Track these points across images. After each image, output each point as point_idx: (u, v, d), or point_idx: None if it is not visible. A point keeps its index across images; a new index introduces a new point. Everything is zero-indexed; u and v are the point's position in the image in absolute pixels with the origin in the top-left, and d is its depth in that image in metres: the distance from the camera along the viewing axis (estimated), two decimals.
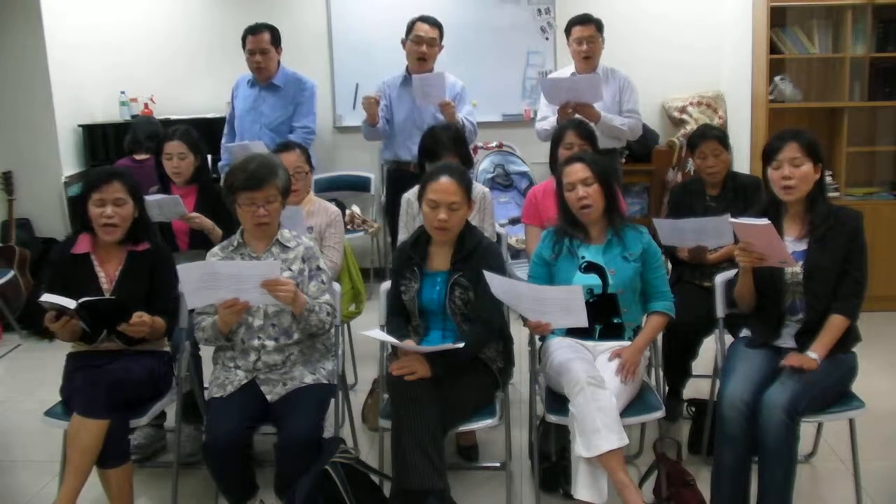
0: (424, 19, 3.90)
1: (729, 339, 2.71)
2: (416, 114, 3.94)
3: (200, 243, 3.19)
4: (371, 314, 3.09)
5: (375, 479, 2.52)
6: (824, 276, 2.39)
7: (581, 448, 2.24)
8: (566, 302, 2.31)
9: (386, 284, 2.76)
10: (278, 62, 4.26)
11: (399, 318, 2.67)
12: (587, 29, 3.77)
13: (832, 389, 2.38)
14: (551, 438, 2.69)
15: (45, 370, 3.53)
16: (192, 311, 2.57)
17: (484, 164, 5.16)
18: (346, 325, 3.39)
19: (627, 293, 2.55)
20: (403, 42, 3.94)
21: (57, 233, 5.08)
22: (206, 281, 2.30)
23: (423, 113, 3.92)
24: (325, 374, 2.58)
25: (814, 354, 2.34)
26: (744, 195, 3.08)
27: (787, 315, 2.48)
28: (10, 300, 4.61)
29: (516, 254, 4.75)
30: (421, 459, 2.27)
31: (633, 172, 4.97)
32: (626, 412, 2.38)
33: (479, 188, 3.17)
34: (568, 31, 3.84)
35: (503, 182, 5.13)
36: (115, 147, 5.00)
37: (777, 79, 4.50)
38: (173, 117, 5.08)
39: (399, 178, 3.93)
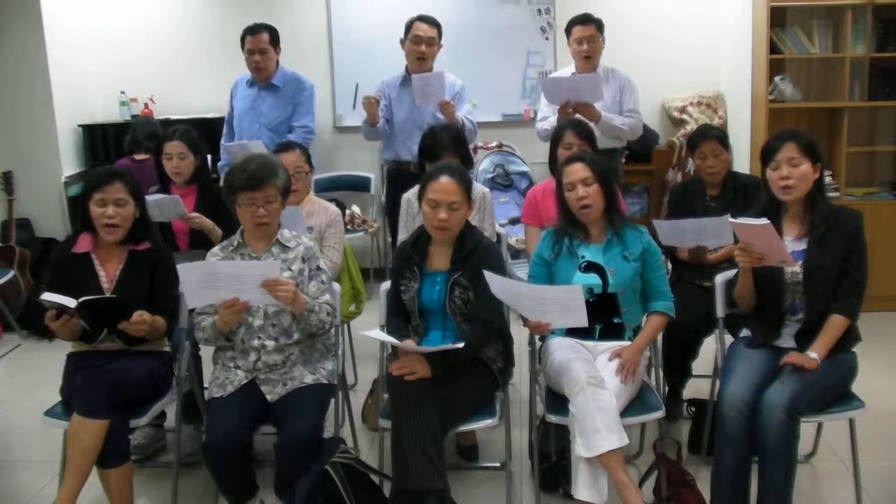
0: (423, 19, 3.89)
1: (729, 339, 2.71)
2: (416, 113, 3.94)
3: (200, 243, 3.19)
4: (371, 314, 3.09)
5: (375, 479, 2.52)
6: (824, 276, 2.39)
7: (581, 448, 2.24)
8: (566, 302, 2.31)
9: (386, 284, 2.76)
10: (277, 62, 4.26)
11: (399, 318, 2.67)
12: (588, 29, 3.77)
13: (832, 389, 2.38)
14: (551, 438, 2.69)
15: (45, 370, 3.53)
16: (192, 311, 2.57)
17: (484, 164, 5.16)
18: (346, 325, 3.39)
19: (627, 293, 2.55)
20: (402, 42, 3.94)
21: (57, 233, 5.08)
22: (206, 281, 2.30)
23: (423, 112, 3.92)
24: (325, 374, 2.58)
25: (814, 354, 2.34)
26: (744, 195, 3.08)
27: (786, 315, 2.48)
28: (10, 300, 4.61)
29: (516, 254, 4.75)
30: (421, 459, 2.27)
31: (633, 172, 4.97)
32: (626, 412, 2.38)
33: (479, 188, 3.17)
34: (568, 30, 3.84)
35: (503, 182, 5.13)
36: (115, 147, 5.00)
37: (777, 79, 4.50)
38: (173, 117, 5.08)
39: (399, 178, 3.92)
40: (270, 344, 2.50)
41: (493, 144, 5.24)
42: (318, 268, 2.58)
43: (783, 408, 2.22)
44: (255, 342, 2.50)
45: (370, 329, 2.54)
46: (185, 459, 2.90)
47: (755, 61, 4.55)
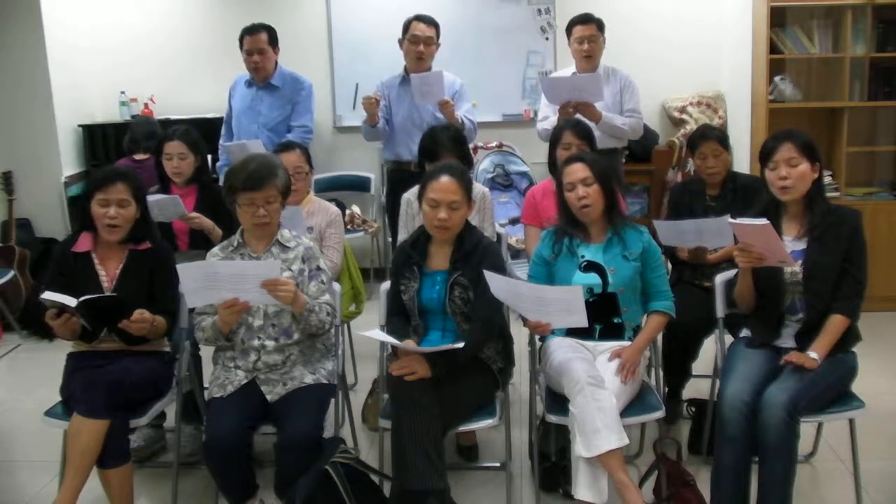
0: (421, 18, 3.89)
1: (729, 339, 2.71)
2: (416, 113, 3.94)
3: (200, 243, 3.19)
4: (371, 314, 3.09)
5: (375, 479, 2.52)
6: (824, 276, 2.40)
7: (581, 448, 2.24)
8: (566, 302, 2.31)
9: (386, 284, 2.76)
10: (276, 62, 4.26)
11: (399, 318, 2.67)
12: (588, 28, 3.77)
13: (832, 389, 2.38)
14: (551, 438, 2.70)
15: (45, 370, 3.52)
16: (192, 311, 2.57)
17: (484, 164, 5.16)
18: (346, 325, 3.39)
19: (627, 292, 2.56)
20: (400, 42, 3.93)
21: (57, 233, 5.07)
22: (206, 281, 2.30)
23: (423, 112, 3.92)
24: (325, 374, 2.58)
25: (814, 354, 2.34)
26: (744, 195, 3.08)
27: (786, 315, 2.48)
28: (10, 300, 4.61)
29: (516, 254, 4.75)
30: (421, 459, 2.26)
31: (633, 172, 4.97)
32: (626, 412, 2.38)
33: (479, 188, 3.17)
34: (569, 30, 3.84)
35: (503, 182, 5.13)
36: (114, 147, 5.00)
37: (777, 79, 4.50)
38: (173, 117, 5.07)
39: (399, 178, 3.92)
40: (270, 344, 2.50)
41: (493, 144, 5.24)
42: (318, 268, 2.58)
43: (783, 407, 2.22)
44: (255, 342, 2.50)
45: (370, 329, 2.54)
46: (185, 459, 2.89)
47: (755, 61, 4.55)
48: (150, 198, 2.97)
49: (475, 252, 2.57)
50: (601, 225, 2.62)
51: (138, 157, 4.22)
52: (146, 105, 5.35)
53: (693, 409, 3.08)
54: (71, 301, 2.33)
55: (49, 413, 2.54)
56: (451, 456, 2.92)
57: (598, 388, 2.29)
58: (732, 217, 2.43)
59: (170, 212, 3.15)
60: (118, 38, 5.41)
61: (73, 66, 5.17)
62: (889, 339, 4.03)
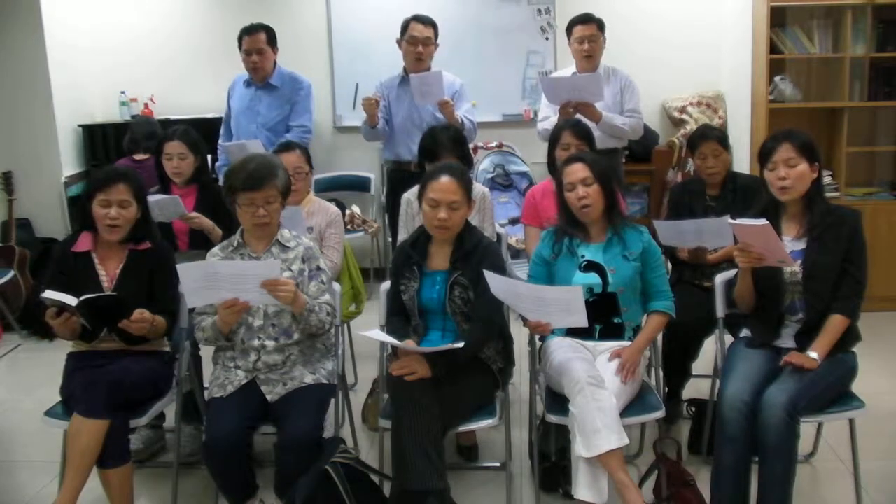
0: (418, 19, 3.87)
1: (729, 339, 2.71)
2: (416, 113, 3.94)
3: (200, 243, 3.19)
4: (371, 314, 3.09)
5: (375, 479, 2.52)
6: (823, 276, 2.40)
7: (581, 448, 2.24)
8: (566, 302, 2.31)
9: (386, 284, 2.76)
10: (274, 62, 4.26)
11: (399, 318, 2.67)
12: (589, 28, 3.77)
13: (832, 389, 2.38)
14: (551, 438, 2.70)
15: (45, 370, 3.52)
16: (192, 311, 2.57)
17: (484, 164, 5.16)
18: (346, 325, 3.39)
19: (627, 292, 2.56)
20: (399, 42, 3.93)
21: (57, 233, 5.07)
22: (206, 281, 2.30)
23: (423, 112, 3.92)
24: (325, 374, 2.58)
25: (814, 354, 2.34)
26: (744, 196, 3.08)
27: (786, 315, 2.48)
28: (10, 300, 4.61)
29: (516, 254, 4.75)
30: (421, 459, 2.26)
31: (633, 172, 4.96)
32: (626, 412, 2.38)
33: (478, 188, 3.17)
34: (569, 30, 3.84)
35: (503, 182, 5.13)
36: (114, 147, 5.00)
37: (777, 79, 4.50)
38: (173, 117, 5.07)
39: (399, 178, 3.92)
40: (270, 344, 2.50)
41: (493, 144, 5.24)
42: (318, 268, 2.58)
43: (783, 407, 2.22)
44: (255, 342, 2.50)
45: (370, 329, 2.54)
46: (185, 459, 2.89)
47: (755, 61, 4.55)
48: (151, 198, 2.97)
49: (475, 252, 2.57)
50: (601, 225, 2.62)
51: (138, 157, 4.22)
52: (146, 105, 5.35)
53: (693, 409, 3.08)
54: (71, 300, 2.33)
55: (49, 413, 2.54)
56: (451, 456, 2.92)
57: (598, 388, 2.29)
58: (732, 217, 2.43)
59: (170, 212, 3.15)
60: (118, 38, 5.41)
61: (73, 66, 5.17)
62: (889, 339, 4.03)
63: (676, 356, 3.01)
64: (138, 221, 2.61)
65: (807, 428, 2.50)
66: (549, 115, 3.84)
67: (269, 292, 2.32)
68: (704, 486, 2.44)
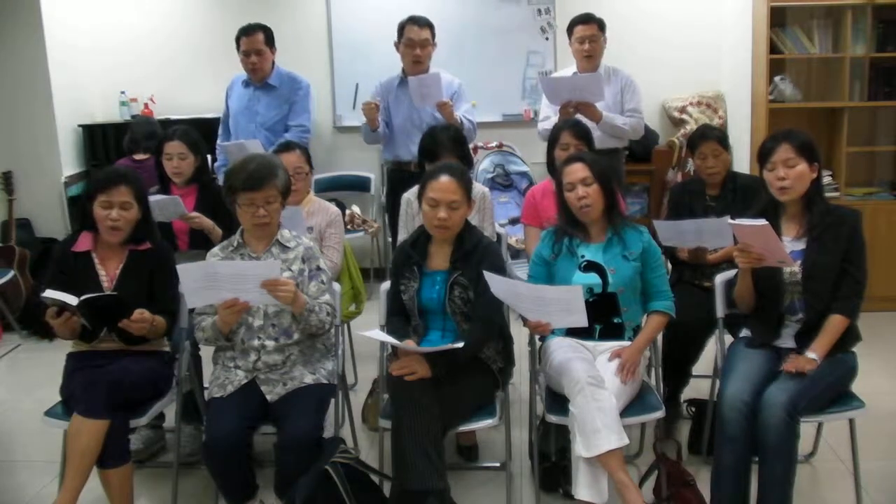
0: (414, 20, 3.84)
1: (729, 339, 2.71)
2: (415, 114, 3.93)
3: (200, 243, 3.19)
4: (371, 314, 3.09)
5: (375, 479, 2.52)
6: (823, 276, 2.40)
7: (581, 448, 2.24)
8: (566, 302, 2.31)
9: (386, 284, 2.76)
10: (273, 62, 4.26)
11: (399, 318, 2.67)
12: (589, 28, 3.77)
13: (832, 389, 2.38)
14: (551, 438, 2.70)
15: (45, 370, 3.52)
16: (192, 311, 2.57)
17: (484, 164, 5.16)
18: (346, 325, 3.39)
19: (627, 292, 2.56)
20: (396, 44, 3.92)
21: (57, 233, 5.07)
22: (206, 281, 2.30)
23: (422, 113, 3.91)
24: (325, 374, 2.58)
25: (813, 354, 2.34)
26: (744, 196, 3.08)
27: (786, 315, 2.48)
28: (10, 300, 4.61)
29: (516, 254, 4.75)
30: (421, 459, 2.26)
31: (633, 172, 4.95)
32: (626, 412, 2.38)
33: (478, 188, 3.17)
34: (570, 30, 3.84)
35: (503, 182, 5.13)
36: (114, 147, 5.00)
37: (777, 79, 4.50)
38: (173, 117, 5.08)
39: (399, 178, 3.92)
40: (270, 344, 2.50)
41: (493, 144, 5.24)
42: (318, 268, 2.58)
43: (783, 407, 2.22)
44: (255, 342, 2.50)
45: (370, 329, 2.54)
46: (185, 459, 2.89)
47: (755, 61, 4.55)
48: (151, 198, 2.97)
49: (475, 252, 2.57)
50: (601, 225, 2.62)
51: (138, 157, 4.22)
52: (146, 105, 5.35)
53: (693, 408, 3.08)
54: (72, 300, 2.33)
55: (49, 413, 2.54)
56: (451, 456, 2.92)
57: (598, 388, 2.29)
58: (732, 217, 2.43)
59: (170, 212, 3.15)
60: (118, 38, 5.41)
61: (73, 66, 5.18)
62: (889, 339, 4.03)
63: (676, 356, 3.01)
64: (139, 222, 2.61)
65: (807, 428, 2.50)
66: (549, 116, 3.84)
67: (269, 292, 2.32)
68: (704, 486, 2.45)
